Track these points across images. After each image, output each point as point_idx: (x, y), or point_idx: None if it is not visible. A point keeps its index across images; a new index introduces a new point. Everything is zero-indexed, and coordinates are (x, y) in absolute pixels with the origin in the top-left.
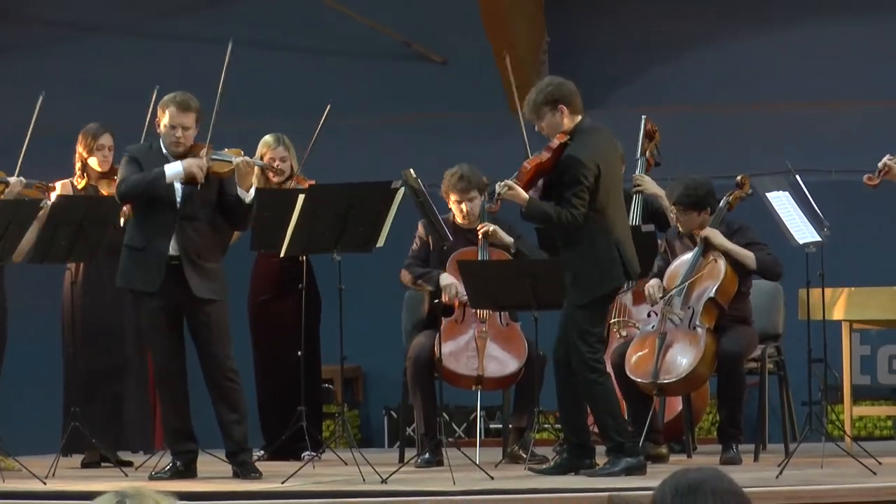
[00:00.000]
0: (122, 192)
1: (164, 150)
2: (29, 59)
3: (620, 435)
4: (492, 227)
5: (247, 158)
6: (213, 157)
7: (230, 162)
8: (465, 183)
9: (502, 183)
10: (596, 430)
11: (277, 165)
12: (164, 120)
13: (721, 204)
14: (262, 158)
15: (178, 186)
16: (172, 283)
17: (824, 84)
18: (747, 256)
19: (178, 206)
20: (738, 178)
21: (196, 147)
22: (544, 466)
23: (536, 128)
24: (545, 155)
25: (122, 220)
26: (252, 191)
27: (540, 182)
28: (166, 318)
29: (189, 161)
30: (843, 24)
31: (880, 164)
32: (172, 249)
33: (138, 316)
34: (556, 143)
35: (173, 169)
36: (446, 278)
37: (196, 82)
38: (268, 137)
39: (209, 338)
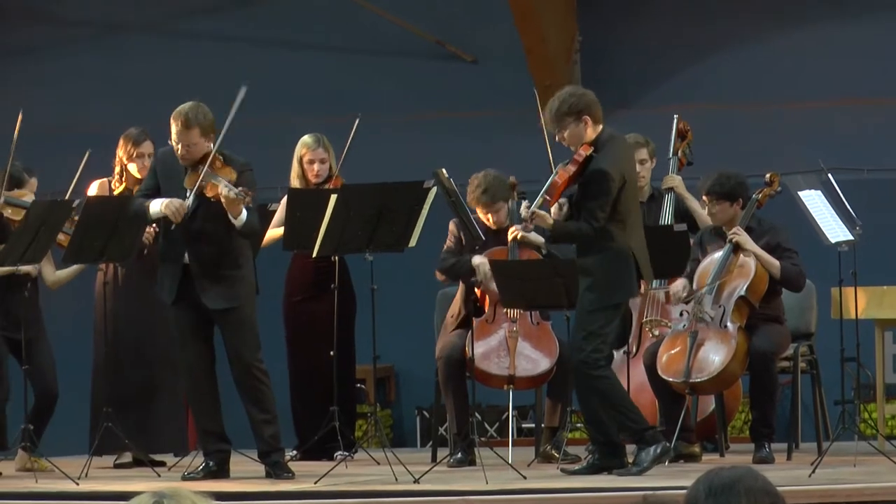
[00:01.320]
0: (129, 210)
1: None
2: (58, 57)
3: (637, 423)
4: (521, 234)
5: (226, 189)
6: (210, 177)
7: (216, 186)
8: (488, 196)
9: (528, 210)
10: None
11: (317, 167)
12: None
13: (751, 201)
14: (301, 159)
15: (191, 198)
16: (193, 290)
17: (856, 82)
18: (773, 265)
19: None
20: (767, 175)
21: (206, 158)
22: (576, 467)
23: (557, 138)
24: (571, 168)
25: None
26: (243, 216)
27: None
28: (191, 324)
29: (167, 203)
30: (874, 22)
31: None
32: (187, 259)
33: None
34: (581, 154)
35: (154, 208)
36: (478, 258)
37: (224, 81)
38: (307, 138)
39: (234, 342)
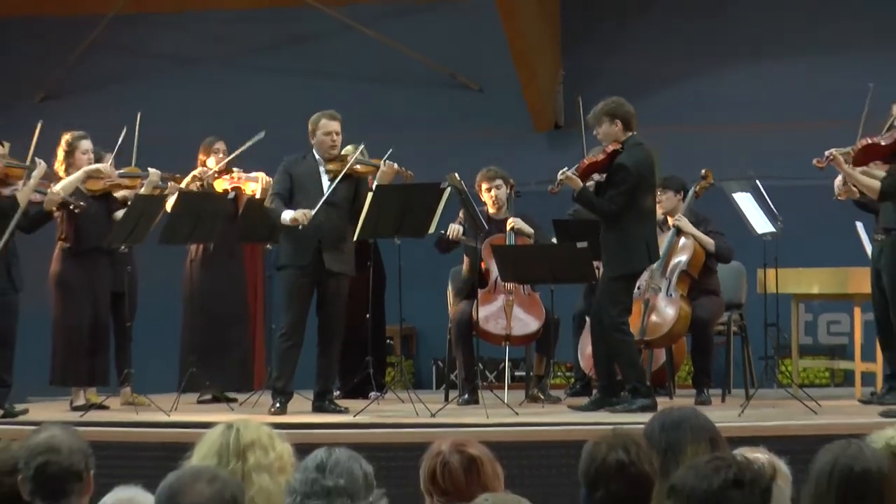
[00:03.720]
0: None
1: (318, 156)
2: (151, 83)
3: (638, 381)
4: (517, 225)
5: (390, 163)
6: (362, 161)
7: (375, 166)
8: (491, 172)
9: (562, 171)
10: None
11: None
12: (319, 131)
13: (690, 192)
14: None
15: (330, 184)
16: (318, 259)
17: (782, 109)
18: (708, 242)
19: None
20: (703, 171)
21: (344, 157)
22: (582, 405)
23: (594, 132)
24: (600, 156)
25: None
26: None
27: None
28: (307, 287)
29: (295, 214)
30: (799, 61)
31: (827, 153)
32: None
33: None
34: (610, 148)
35: (286, 217)
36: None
37: (278, 103)
38: (349, 147)
39: (342, 302)
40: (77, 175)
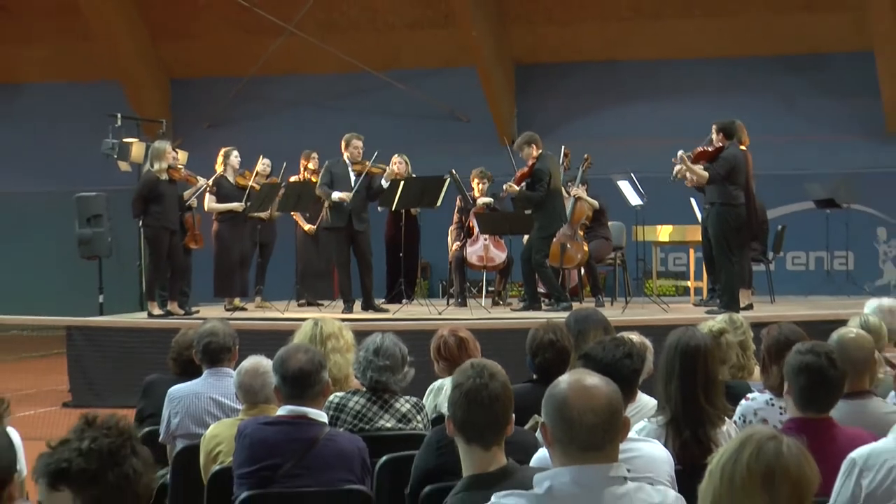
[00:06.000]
0: (316, 192)
1: (348, 162)
2: (265, 119)
3: (558, 293)
4: (485, 201)
5: (386, 167)
6: (375, 163)
7: (380, 167)
8: (482, 173)
9: (506, 185)
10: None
11: (396, 168)
12: (350, 147)
13: (580, 170)
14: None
15: (356, 178)
16: (350, 221)
17: (646, 130)
18: (593, 203)
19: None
20: (585, 155)
21: (364, 161)
22: (519, 307)
23: (520, 154)
24: (524, 170)
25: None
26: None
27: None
28: (347, 239)
29: (342, 196)
30: (653, 103)
31: (679, 153)
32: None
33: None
34: (530, 163)
35: (335, 196)
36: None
37: (345, 130)
38: (396, 156)
39: (368, 248)
40: (220, 207)
